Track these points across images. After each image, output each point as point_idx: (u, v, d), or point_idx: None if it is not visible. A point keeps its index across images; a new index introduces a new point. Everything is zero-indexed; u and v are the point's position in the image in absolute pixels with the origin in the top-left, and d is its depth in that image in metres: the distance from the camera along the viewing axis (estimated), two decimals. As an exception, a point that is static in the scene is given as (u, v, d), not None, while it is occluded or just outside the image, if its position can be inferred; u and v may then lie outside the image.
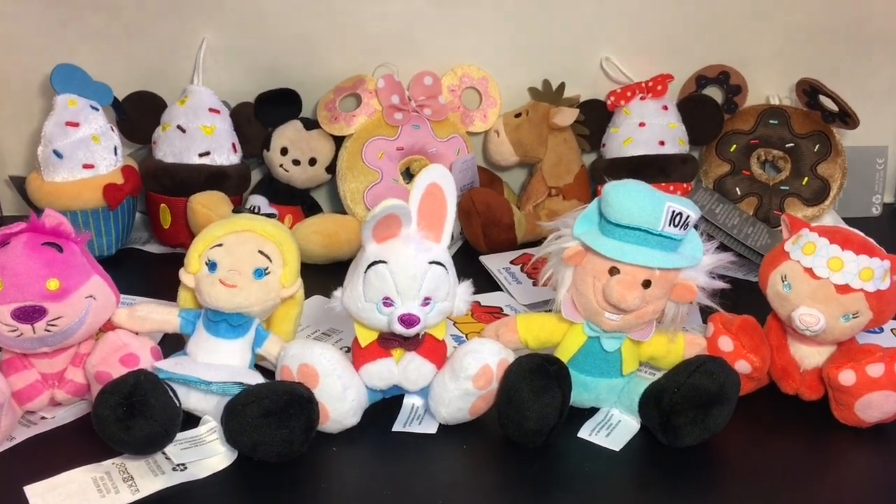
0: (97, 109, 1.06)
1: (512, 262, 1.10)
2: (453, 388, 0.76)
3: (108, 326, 0.78)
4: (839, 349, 0.80)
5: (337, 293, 0.77)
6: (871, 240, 0.78)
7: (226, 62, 1.16)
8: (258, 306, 0.77)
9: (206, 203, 1.04)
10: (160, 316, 0.79)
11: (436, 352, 0.78)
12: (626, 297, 0.73)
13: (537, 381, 0.74)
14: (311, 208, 1.16)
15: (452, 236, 1.15)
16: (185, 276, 0.78)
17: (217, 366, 0.76)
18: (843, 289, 0.75)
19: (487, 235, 1.11)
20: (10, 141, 1.18)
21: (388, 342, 0.77)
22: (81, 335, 0.75)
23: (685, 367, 0.77)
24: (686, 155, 1.16)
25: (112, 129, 1.07)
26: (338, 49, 1.16)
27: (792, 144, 1.18)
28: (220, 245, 0.77)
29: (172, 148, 1.09)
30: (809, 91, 1.16)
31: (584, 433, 0.78)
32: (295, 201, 1.15)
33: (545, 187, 1.17)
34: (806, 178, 1.17)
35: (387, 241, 0.75)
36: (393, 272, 0.73)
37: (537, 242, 1.16)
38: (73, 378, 0.77)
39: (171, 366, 0.75)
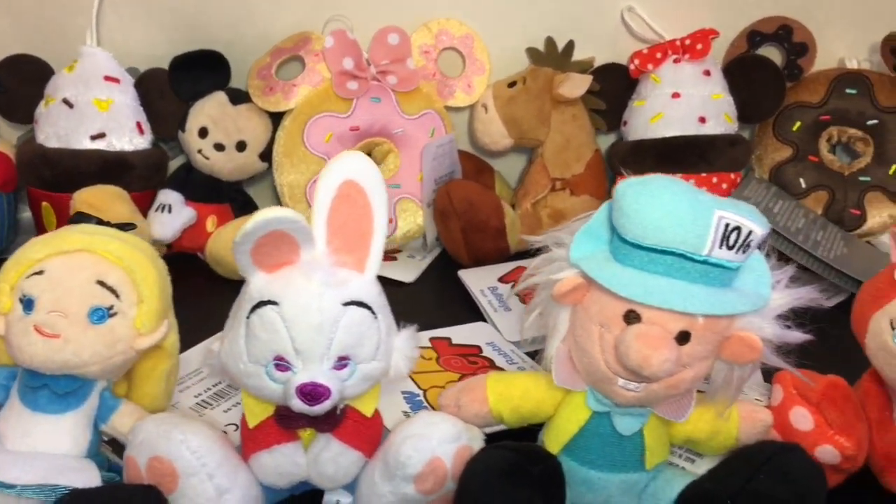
0: (-47, 78, 0.81)
1: (501, 280, 0.83)
2: (387, 492, 0.51)
3: None
4: (980, 433, 0.53)
5: (215, 346, 0.52)
6: None
7: (132, 16, 0.90)
8: (97, 365, 0.52)
9: (94, 201, 0.79)
10: (-50, 378, 0.53)
11: (362, 433, 0.52)
12: (651, 360, 0.46)
13: (512, 489, 0.48)
14: (244, 207, 0.91)
15: (427, 243, 0.92)
16: (-10, 318, 0.53)
17: (31, 457, 0.51)
18: None
19: (470, 243, 0.85)
20: None
21: (290, 420, 0.51)
22: None
23: (744, 461, 0.51)
24: (735, 136, 0.90)
25: (-24, 105, 0.82)
26: (278, -1, 0.90)
27: (875, 121, 0.92)
28: (39, 273, 0.52)
29: (56, 129, 0.84)
30: (900, 50, 0.88)
31: (587, 556, 0.52)
32: (221, 198, 0.89)
33: (547, 179, 0.90)
34: (894, 166, 0.91)
35: (280, 269, 0.48)
36: (287, 319, 0.47)
37: (538, 253, 0.90)
38: None
39: (-42, 458, 0.50)
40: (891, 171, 0.90)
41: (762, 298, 0.49)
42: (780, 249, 0.83)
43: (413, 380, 0.66)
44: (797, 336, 0.50)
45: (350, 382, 0.50)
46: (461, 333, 0.74)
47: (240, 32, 0.91)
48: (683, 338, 0.48)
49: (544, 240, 0.54)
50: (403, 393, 0.65)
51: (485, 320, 0.78)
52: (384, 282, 0.85)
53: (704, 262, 0.47)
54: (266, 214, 0.45)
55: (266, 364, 0.49)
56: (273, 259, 0.48)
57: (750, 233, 0.47)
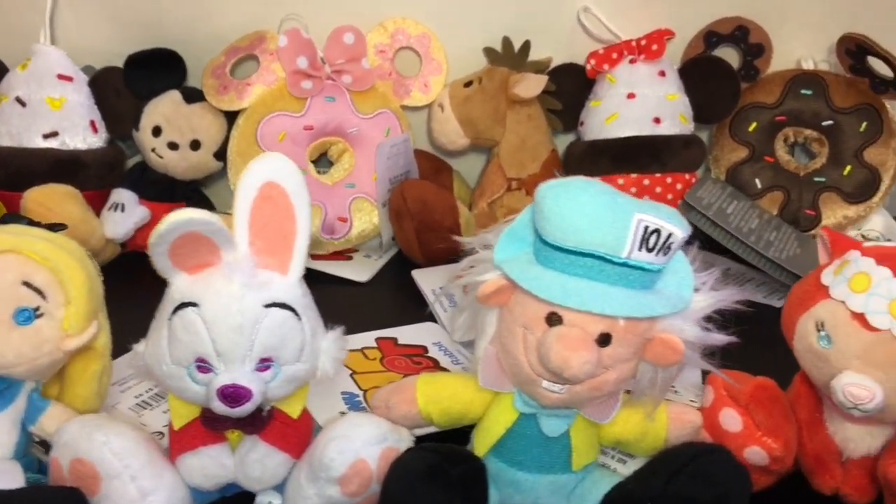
0: None
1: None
2: (312, 494, 0.51)
3: None
4: (904, 435, 0.53)
5: (140, 346, 0.52)
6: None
7: (88, 14, 0.90)
8: (23, 366, 0.52)
9: (44, 200, 0.79)
10: None
11: (289, 434, 0.52)
12: (571, 361, 0.46)
13: (431, 490, 0.48)
14: (200, 206, 0.88)
15: (383, 243, 0.92)
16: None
17: (-47, 458, 0.51)
18: (915, 347, 0.48)
19: (423, 242, 0.85)
20: None
21: (216, 422, 0.51)
22: None
23: (666, 463, 0.51)
24: (689, 136, 0.90)
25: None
26: (235, -4, 0.90)
27: (830, 122, 0.92)
28: (-36, 274, 0.51)
29: (9, 127, 0.84)
30: (855, 51, 0.88)
31: (514, 559, 0.52)
32: (176, 197, 0.89)
33: (503, 179, 0.90)
34: (848, 167, 0.91)
35: (201, 271, 0.48)
36: (208, 321, 0.47)
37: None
38: None
39: None
40: (845, 172, 0.90)
41: (683, 300, 0.49)
42: (732, 250, 0.84)
43: (354, 380, 0.66)
44: (719, 338, 0.50)
45: (274, 384, 0.50)
46: (408, 333, 0.74)
47: (196, 31, 0.90)
48: (604, 340, 0.48)
49: (472, 241, 0.54)
50: (343, 394, 0.64)
51: (436, 321, 0.78)
52: (338, 281, 0.87)
53: (624, 265, 0.47)
54: (179, 216, 0.45)
55: (188, 366, 0.49)
56: (193, 260, 0.48)
57: (670, 235, 0.47)
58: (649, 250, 0.47)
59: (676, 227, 0.47)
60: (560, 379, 0.48)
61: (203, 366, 0.48)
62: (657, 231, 0.47)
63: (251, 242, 0.49)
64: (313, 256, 0.88)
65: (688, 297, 0.49)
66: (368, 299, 0.84)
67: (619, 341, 0.48)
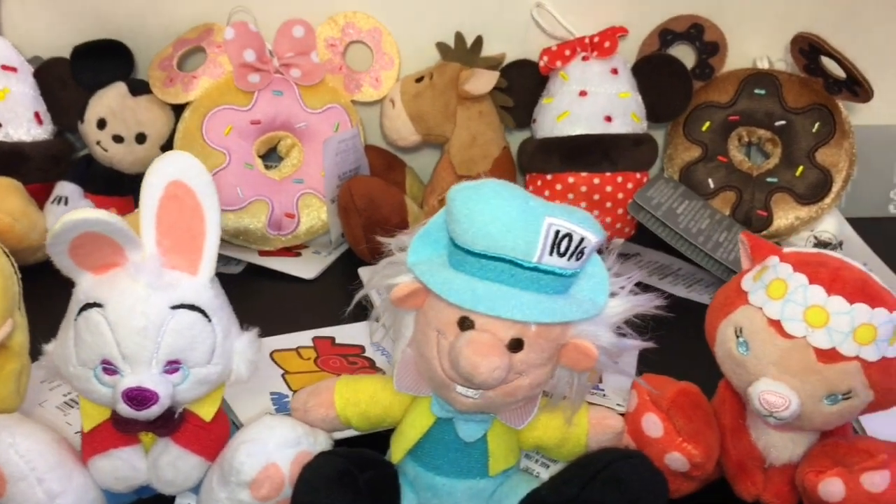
0: None
1: (399, 277, 0.82)
2: (223, 498, 0.50)
3: None
4: (822, 443, 0.53)
5: (50, 346, 0.51)
6: (874, 277, 0.50)
7: (36, 5, 0.89)
8: (-68, 364, 0.51)
9: (-17, 193, 0.78)
10: None
11: (202, 437, 0.52)
12: (480, 367, 0.46)
13: (337, 495, 0.47)
14: None
15: (332, 240, 0.91)
16: None
17: None
18: (829, 355, 0.48)
19: (371, 240, 0.83)
20: None
21: (126, 424, 0.50)
22: None
23: (581, 469, 0.51)
24: (641, 135, 0.89)
25: None
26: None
27: (783, 122, 0.91)
28: None
29: (-49, 118, 0.82)
30: (808, 51, 0.88)
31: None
32: (123, 190, 0.88)
33: (454, 176, 0.89)
34: (801, 167, 0.90)
35: (108, 271, 0.48)
36: (112, 322, 0.47)
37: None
38: None
39: None
40: (797, 173, 0.89)
41: (596, 306, 0.48)
42: (680, 250, 0.83)
43: (286, 381, 0.66)
44: (635, 343, 0.49)
45: (183, 387, 0.49)
46: (346, 332, 0.73)
47: (146, 22, 0.89)
48: (516, 345, 0.47)
49: (390, 243, 0.53)
50: (272, 394, 0.64)
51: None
52: (285, 278, 0.86)
53: (535, 269, 0.46)
54: (74, 216, 0.44)
55: (94, 367, 0.48)
56: (97, 260, 0.47)
57: (582, 240, 0.46)
58: (561, 255, 0.46)
59: (588, 232, 0.46)
60: (471, 384, 0.48)
61: (109, 367, 0.48)
62: (569, 235, 0.46)
63: (158, 242, 0.48)
64: (261, 252, 0.87)
65: (601, 303, 0.48)
66: (314, 297, 0.83)
67: (532, 346, 0.47)
